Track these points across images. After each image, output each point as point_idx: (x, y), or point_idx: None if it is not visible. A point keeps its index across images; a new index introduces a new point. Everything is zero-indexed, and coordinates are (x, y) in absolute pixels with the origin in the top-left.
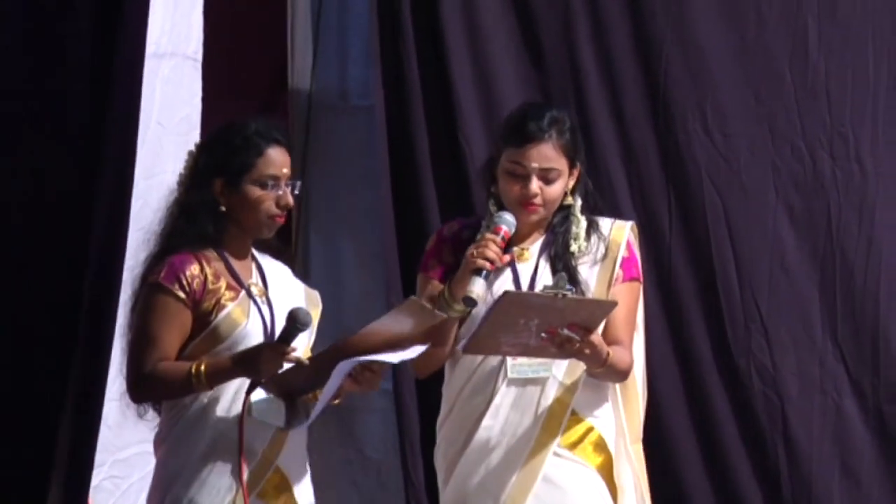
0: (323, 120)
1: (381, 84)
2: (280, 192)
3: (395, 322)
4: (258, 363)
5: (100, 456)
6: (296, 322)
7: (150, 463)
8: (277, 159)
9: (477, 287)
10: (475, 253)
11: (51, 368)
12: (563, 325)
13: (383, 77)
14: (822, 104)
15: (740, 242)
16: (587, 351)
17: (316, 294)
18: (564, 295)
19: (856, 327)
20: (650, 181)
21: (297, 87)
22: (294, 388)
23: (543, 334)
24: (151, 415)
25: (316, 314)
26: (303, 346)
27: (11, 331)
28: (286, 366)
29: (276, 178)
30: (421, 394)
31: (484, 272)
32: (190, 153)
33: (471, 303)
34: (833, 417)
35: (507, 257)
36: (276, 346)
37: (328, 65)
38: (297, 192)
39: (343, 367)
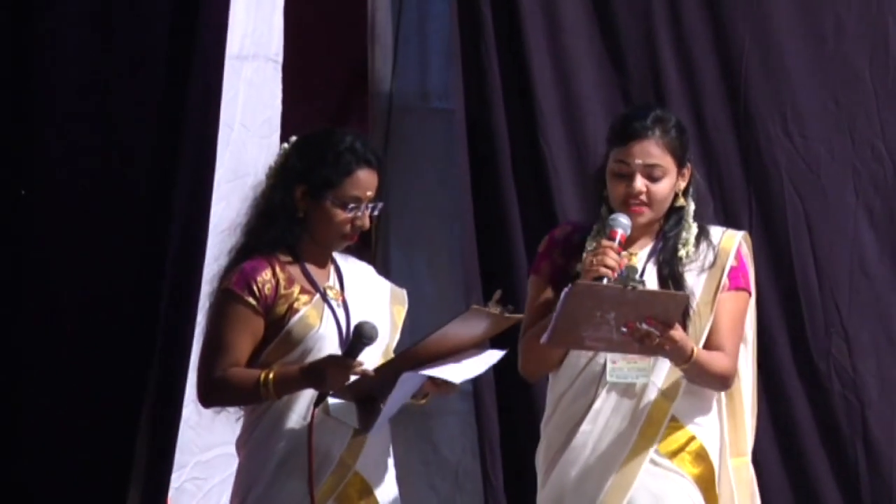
0: (403, 122)
1: (462, 86)
2: (359, 214)
3: (460, 330)
4: (324, 376)
5: (182, 457)
6: (361, 337)
7: (231, 465)
8: (364, 181)
9: None
10: (594, 261)
11: (130, 371)
12: (640, 319)
13: (464, 79)
14: None
15: (820, 245)
16: (668, 346)
17: (402, 292)
18: (634, 287)
19: None
20: (731, 184)
21: (377, 89)
22: (364, 394)
23: (623, 328)
24: (229, 415)
25: (401, 312)
26: (383, 346)
27: (90, 334)
28: (353, 378)
29: (359, 200)
30: (500, 396)
31: (604, 280)
32: (283, 149)
33: None
34: None
35: (624, 260)
36: (342, 360)
37: (408, 67)
38: (376, 212)
39: (407, 378)
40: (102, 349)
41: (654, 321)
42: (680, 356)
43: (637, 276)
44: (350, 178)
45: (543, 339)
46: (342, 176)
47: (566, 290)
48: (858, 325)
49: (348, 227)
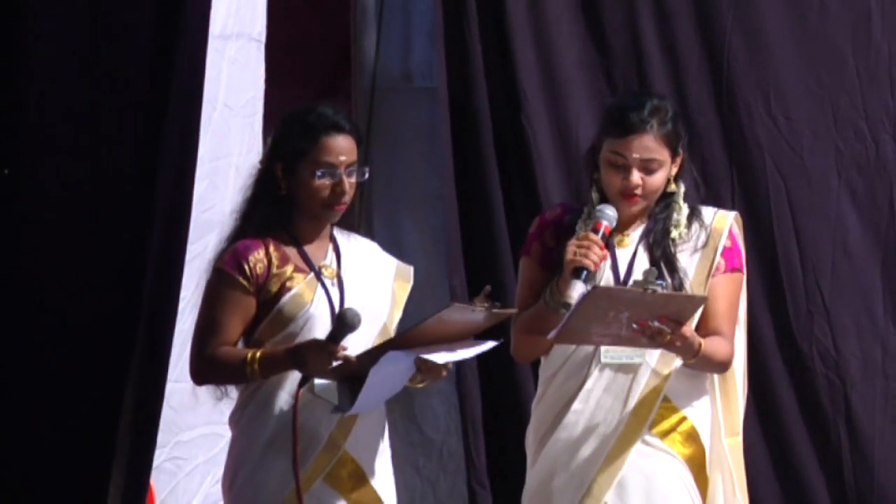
0: (386, 102)
1: (445, 66)
2: (336, 180)
3: (450, 321)
4: (306, 360)
5: (162, 437)
6: (344, 323)
7: (217, 445)
8: (335, 147)
9: (576, 292)
10: (577, 252)
11: (112, 352)
12: (653, 317)
13: (447, 59)
14: (884, 87)
15: (803, 226)
16: (678, 343)
17: (408, 269)
18: (654, 290)
19: None
20: (713, 165)
21: (360, 68)
22: (348, 376)
23: (634, 325)
24: (211, 396)
25: (405, 288)
26: (381, 324)
27: (72, 316)
28: (336, 363)
29: (332, 166)
30: (483, 377)
31: (584, 274)
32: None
33: (569, 308)
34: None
35: (605, 253)
36: (324, 344)
37: (392, 46)
38: (364, 177)
39: (392, 357)
40: (85, 331)
41: (667, 319)
42: (689, 352)
43: (655, 278)
44: (317, 144)
45: (551, 335)
46: (310, 144)
47: (584, 291)
48: (841, 306)
49: (327, 193)
